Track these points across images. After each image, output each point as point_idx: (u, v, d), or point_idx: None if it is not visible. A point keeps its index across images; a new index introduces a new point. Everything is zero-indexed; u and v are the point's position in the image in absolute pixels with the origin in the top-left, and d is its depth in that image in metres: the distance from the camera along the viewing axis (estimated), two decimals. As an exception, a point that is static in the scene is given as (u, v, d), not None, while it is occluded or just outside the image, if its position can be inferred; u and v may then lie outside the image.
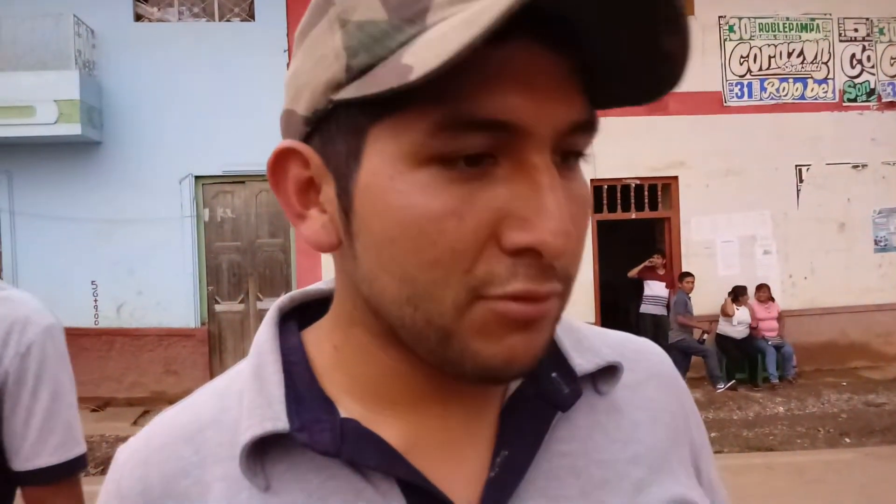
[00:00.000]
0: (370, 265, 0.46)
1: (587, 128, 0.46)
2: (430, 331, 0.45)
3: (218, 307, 8.77)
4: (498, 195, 0.43)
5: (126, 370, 8.37)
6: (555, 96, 0.43)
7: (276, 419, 0.50)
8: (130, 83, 8.47)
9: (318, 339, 0.55)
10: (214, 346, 8.69)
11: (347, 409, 0.52)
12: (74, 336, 8.31)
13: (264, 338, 0.55)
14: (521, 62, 0.42)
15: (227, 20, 8.96)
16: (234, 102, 8.46)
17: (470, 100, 0.41)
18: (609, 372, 0.57)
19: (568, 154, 0.47)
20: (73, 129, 7.77)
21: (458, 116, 0.42)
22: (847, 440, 6.50)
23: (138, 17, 8.79)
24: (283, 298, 0.60)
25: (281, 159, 0.49)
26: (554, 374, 0.55)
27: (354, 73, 0.44)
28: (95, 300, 8.49)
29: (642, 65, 0.45)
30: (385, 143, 0.44)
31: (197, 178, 8.64)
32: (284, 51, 8.67)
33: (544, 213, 0.42)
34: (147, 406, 8.04)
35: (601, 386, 0.57)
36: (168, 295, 8.52)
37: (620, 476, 0.54)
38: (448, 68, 0.38)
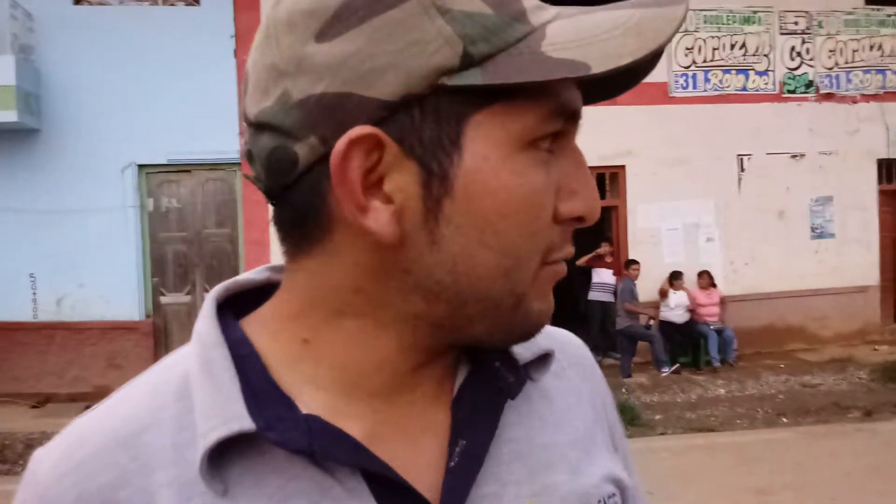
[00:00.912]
0: (464, 245, 0.48)
1: None
2: (509, 299, 0.50)
3: (163, 299, 8.59)
4: (555, 172, 0.50)
5: (67, 365, 8.14)
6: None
7: (241, 418, 0.47)
8: (70, 68, 8.19)
9: (270, 332, 0.53)
10: (160, 339, 8.52)
11: (306, 404, 0.51)
12: (11, 330, 8.05)
13: (206, 330, 0.53)
14: None
15: (172, 4, 8.73)
16: (179, 89, 8.27)
17: (565, 93, 0.49)
18: (541, 360, 0.60)
19: None
20: (8, 115, 7.49)
21: (561, 106, 0.49)
22: (784, 420, 6.75)
23: (78, 0, 8.50)
24: (218, 289, 0.57)
25: (355, 146, 0.46)
26: (497, 364, 0.56)
27: (473, 61, 0.46)
28: (34, 293, 8.22)
29: (624, 78, 0.52)
30: (490, 129, 0.47)
31: (140, 166, 8.43)
32: (231, 36, 8.49)
33: (590, 186, 0.52)
34: (90, 401, 7.82)
35: (533, 373, 0.60)
36: (111, 287, 8.30)
37: (560, 458, 0.57)
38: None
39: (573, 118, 0.51)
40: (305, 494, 0.48)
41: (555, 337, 0.66)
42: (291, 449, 0.47)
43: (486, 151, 0.47)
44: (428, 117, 0.46)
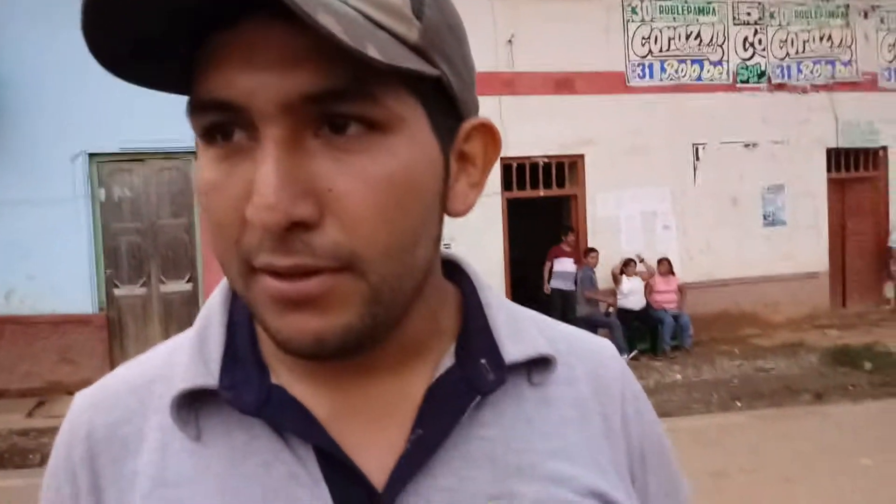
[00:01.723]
0: None
1: (348, 95, 0.44)
2: (244, 298, 0.49)
3: (117, 291, 8.38)
4: (245, 169, 0.45)
5: (18, 360, 7.90)
6: (280, 70, 0.43)
7: (208, 376, 0.54)
8: (16, 52, 7.90)
9: None
10: (115, 333, 8.32)
11: (278, 375, 0.55)
12: (-42, 325, 7.80)
13: (215, 300, 0.59)
14: (248, 41, 0.44)
15: (121, -12, 8.49)
16: (130, 76, 8.05)
17: (202, 83, 0.45)
18: (543, 364, 0.59)
19: (344, 124, 0.45)
20: (-51, 102, 7.21)
21: (194, 98, 0.46)
22: (738, 404, 6.92)
23: (22, -17, 8.20)
24: None
25: None
26: (483, 361, 0.56)
27: None
28: (-19, 286, 7.96)
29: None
30: None
31: (91, 155, 8.19)
32: (184, 22, 8.31)
33: (257, 191, 0.44)
34: (42, 396, 7.63)
35: (534, 377, 0.59)
36: (63, 279, 8.07)
37: (535, 466, 0.55)
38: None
39: (239, 110, 0.44)
40: (262, 453, 0.52)
41: (579, 344, 0.64)
42: (241, 409, 0.52)
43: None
44: None
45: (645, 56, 9.70)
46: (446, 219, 0.54)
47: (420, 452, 0.53)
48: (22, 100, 7.97)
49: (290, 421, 0.52)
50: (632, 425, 0.63)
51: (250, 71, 0.44)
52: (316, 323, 0.46)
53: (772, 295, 9.99)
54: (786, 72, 10.26)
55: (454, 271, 0.63)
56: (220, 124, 0.46)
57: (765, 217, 10.18)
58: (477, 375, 0.55)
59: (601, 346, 0.66)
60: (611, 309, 9.06)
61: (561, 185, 9.57)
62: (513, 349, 0.57)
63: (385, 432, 0.54)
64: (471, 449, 0.54)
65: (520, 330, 0.59)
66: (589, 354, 0.64)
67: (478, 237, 8.41)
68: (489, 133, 0.55)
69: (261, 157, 0.44)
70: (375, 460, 0.53)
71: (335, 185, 0.45)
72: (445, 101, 0.51)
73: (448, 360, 0.57)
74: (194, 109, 0.47)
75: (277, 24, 0.43)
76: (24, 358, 7.94)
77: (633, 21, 9.64)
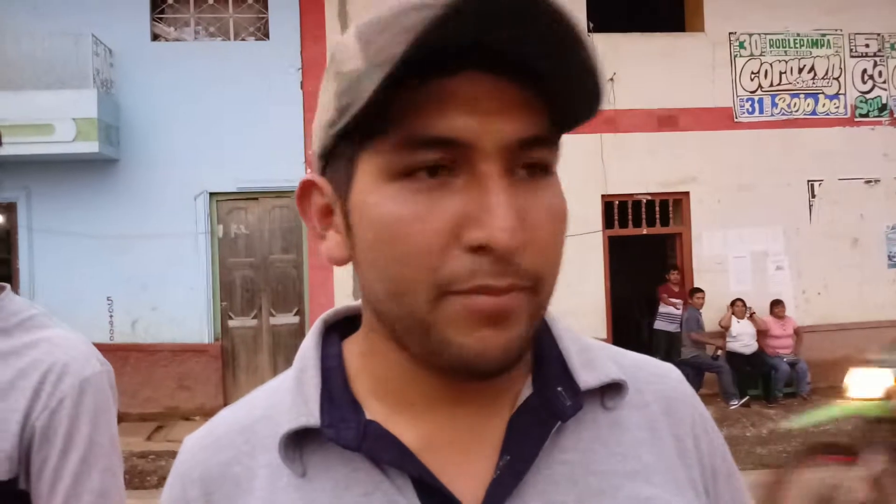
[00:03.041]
0: (365, 270, 0.55)
1: (542, 142, 0.53)
2: (412, 322, 0.53)
3: (231, 323, 8.82)
4: (456, 201, 0.51)
5: (140, 385, 8.41)
6: (499, 117, 0.51)
7: (310, 416, 0.58)
8: (147, 101, 8.59)
9: (351, 348, 0.64)
10: (228, 362, 8.73)
11: (371, 411, 0.59)
12: (90, 351, 8.39)
13: (308, 345, 0.64)
14: (469, 89, 0.51)
15: (242, 39, 9.08)
16: (248, 120, 8.56)
17: (423, 122, 0.50)
18: (615, 389, 0.62)
19: (533, 167, 0.54)
20: (90, 146, 7.87)
21: (413, 136, 0.51)
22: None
23: (155, 37, 8.92)
24: (329, 311, 0.68)
25: (304, 190, 0.60)
26: (559, 388, 0.60)
27: (341, 112, 0.53)
28: (111, 315, 8.56)
29: (572, 80, 0.52)
30: (368, 165, 0.53)
31: (211, 194, 8.73)
32: (298, 69, 8.77)
33: (492, 213, 0.50)
34: (160, 421, 8.06)
35: (607, 402, 0.62)
36: (182, 310, 8.58)
37: (616, 487, 0.59)
38: (370, 107, 0.49)
39: (462, 147, 0.50)
40: (363, 485, 0.56)
41: (647, 369, 0.68)
42: (343, 445, 0.56)
43: (364, 186, 0.54)
44: (337, 163, 0.56)
45: (754, 91, 9.41)
46: None
47: (509, 477, 0.56)
48: (150, 143, 8.62)
49: (387, 453, 0.56)
50: (703, 444, 0.66)
51: (477, 115, 0.50)
52: (505, 336, 0.52)
53: (899, 341, 9.28)
54: (909, 105, 9.69)
55: None
56: (432, 160, 0.51)
57: (890, 258, 9.54)
58: (555, 403, 0.59)
59: (668, 370, 0.70)
60: (719, 352, 8.69)
61: (665, 223, 9.35)
62: (587, 376, 0.61)
63: (473, 460, 0.58)
64: (554, 473, 0.58)
65: (591, 358, 0.63)
66: (657, 378, 0.67)
67: (576, 274, 8.32)
68: None
69: (489, 189, 0.50)
70: (467, 487, 0.56)
71: (531, 217, 0.52)
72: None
73: (526, 390, 0.60)
74: (408, 145, 0.51)
75: (489, 75, 0.51)
76: (145, 384, 8.44)
77: (740, 56, 9.40)
